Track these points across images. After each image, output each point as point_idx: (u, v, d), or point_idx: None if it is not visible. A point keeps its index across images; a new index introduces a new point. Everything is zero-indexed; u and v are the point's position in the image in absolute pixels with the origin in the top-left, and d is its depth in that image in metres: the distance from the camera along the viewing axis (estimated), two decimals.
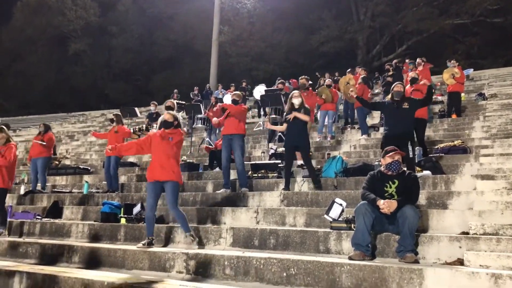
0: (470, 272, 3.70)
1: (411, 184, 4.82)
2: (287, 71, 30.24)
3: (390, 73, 13.72)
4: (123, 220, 6.73)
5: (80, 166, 11.85)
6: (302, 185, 7.69)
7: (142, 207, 6.77)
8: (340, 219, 5.22)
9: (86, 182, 9.70)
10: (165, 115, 5.98)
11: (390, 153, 4.90)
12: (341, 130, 13.15)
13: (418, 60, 13.59)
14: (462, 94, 15.99)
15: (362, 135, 11.62)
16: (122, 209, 6.99)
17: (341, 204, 5.28)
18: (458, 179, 6.64)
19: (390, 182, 4.84)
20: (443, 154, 8.37)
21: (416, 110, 7.28)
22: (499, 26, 30.25)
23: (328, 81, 12.39)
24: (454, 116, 12.65)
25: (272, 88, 14.65)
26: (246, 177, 7.98)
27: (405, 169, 5.05)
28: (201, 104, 13.26)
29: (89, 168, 11.95)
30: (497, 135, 9.70)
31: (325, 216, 5.38)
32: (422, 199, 6.06)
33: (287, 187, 7.32)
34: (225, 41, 32.94)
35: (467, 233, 4.82)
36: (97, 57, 38.90)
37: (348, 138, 12.07)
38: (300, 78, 10.46)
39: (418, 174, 6.93)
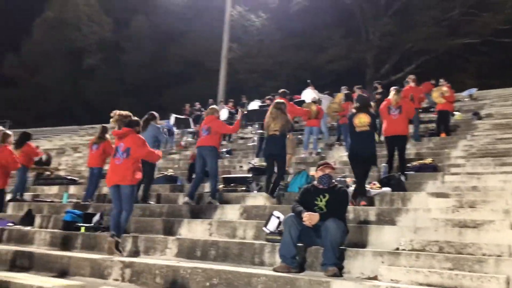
0: (372, 285, 3.73)
1: (341, 198, 4.86)
2: (294, 88, 30.40)
3: (379, 90, 13.72)
4: (82, 229, 6.88)
5: (67, 177, 12.13)
6: (265, 197, 7.73)
7: (101, 216, 6.93)
8: (276, 231, 5.28)
9: (66, 192, 9.94)
10: None
11: (321, 166, 4.97)
12: (328, 146, 13.21)
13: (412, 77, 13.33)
14: (458, 113, 15.91)
15: (346, 151, 11.63)
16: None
17: (278, 217, 5.35)
18: (414, 197, 6.63)
19: (321, 196, 4.89)
20: (413, 172, 8.35)
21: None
22: (509, 46, 29.90)
23: (313, 97, 12.48)
24: (443, 135, 12.55)
25: (264, 104, 14.84)
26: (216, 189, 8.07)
27: (336, 183, 5.10)
28: (190, 119, 13.48)
29: (76, 179, 12.22)
30: (475, 154, 9.60)
31: (263, 228, 5.46)
32: (372, 215, 6.09)
33: (269, 192, 7.37)
34: (234, 58, 33.35)
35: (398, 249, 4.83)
36: (110, 71, 39.79)
37: (332, 154, 12.09)
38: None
39: (376, 191, 6.98)
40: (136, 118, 6.26)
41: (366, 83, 28.23)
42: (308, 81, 15.85)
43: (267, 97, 14.39)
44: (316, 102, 12.51)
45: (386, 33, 32.81)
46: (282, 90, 10.61)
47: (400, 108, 8.20)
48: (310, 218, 4.56)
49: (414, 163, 8.76)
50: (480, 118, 14.96)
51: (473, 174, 7.68)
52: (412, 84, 12.52)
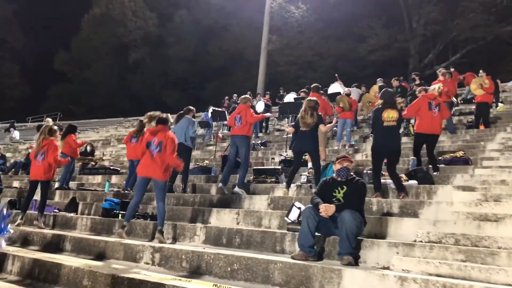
0: (381, 274, 3.87)
1: (358, 190, 5.00)
2: (334, 79, 30.23)
3: (417, 82, 13.47)
4: (120, 216, 7.36)
5: (110, 167, 12.79)
6: (294, 190, 7.95)
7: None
8: (297, 221, 5.48)
9: (108, 181, 10.54)
10: None
11: (339, 159, 5.12)
12: (363, 138, 13.18)
13: (442, 70, 13.01)
14: (502, 104, 15.42)
15: None
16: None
17: (299, 208, 5.55)
18: (440, 190, 6.62)
19: (339, 188, 5.05)
20: (443, 165, 8.27)
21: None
22: None
23: (347, 90, 12.48)
24: (481, 127, 12.24)
25: (299, 97, 14.93)
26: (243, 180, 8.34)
27: (354, 175, 5.22)
28: (226, 112, 13.83)
29: (118, 169, 12.86)
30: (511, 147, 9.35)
31: (285, 218, 5.67)
32: (395, 208, 6.17)
33: (288, 186, 7.65)
34: (273, 49, 33.49)
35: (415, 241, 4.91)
36: (155, 65, 41.02)
37: (365, 147, 12.06)
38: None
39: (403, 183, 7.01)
40: (165, 115, 6.57)
41: (409, 74, 27.56)
42: (336, 75, 15.96)
43: (302, 89, 14.48)
44: (349, 95, 12.52)
45: (430, 21, 31.89)
46: (314, 84, 10.55)
47: (439, 106, 8.04)
48: (326, 209, 4.74)
49: (446, 156, 8.66)
50: None
51: (505, 167, 7.52)
52: (441, 77, 12.23)
